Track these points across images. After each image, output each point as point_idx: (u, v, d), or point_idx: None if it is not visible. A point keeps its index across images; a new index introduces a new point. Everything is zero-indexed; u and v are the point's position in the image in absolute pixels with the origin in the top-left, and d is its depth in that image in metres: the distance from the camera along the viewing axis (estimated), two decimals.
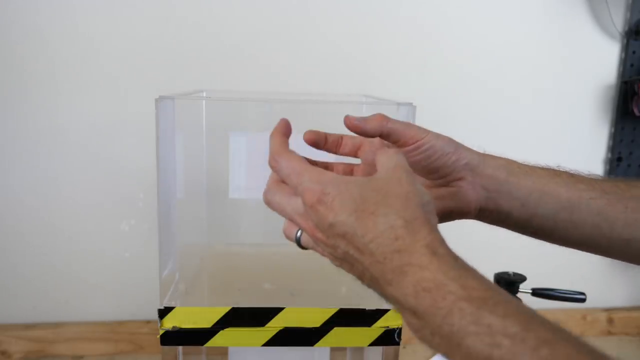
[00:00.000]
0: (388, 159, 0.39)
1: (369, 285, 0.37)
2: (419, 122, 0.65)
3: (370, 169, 0.50)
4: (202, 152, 0.86)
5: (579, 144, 1.18)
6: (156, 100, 0.61)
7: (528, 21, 1.12)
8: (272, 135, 0.43)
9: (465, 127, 1.14)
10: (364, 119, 0.45)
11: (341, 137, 0.50)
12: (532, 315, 0.30)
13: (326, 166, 0.51)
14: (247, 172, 0.77)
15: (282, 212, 0.41)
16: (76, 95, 1.02)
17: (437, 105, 1.10)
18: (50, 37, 0.99)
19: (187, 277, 0.73)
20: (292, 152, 0.41)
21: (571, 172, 0.47)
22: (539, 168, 0.47)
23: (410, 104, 0.64)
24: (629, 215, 0.43)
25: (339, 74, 1.08)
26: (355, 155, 0.52)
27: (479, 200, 0.46)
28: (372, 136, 0.46)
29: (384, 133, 0.45)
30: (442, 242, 0.34)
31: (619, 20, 1.12)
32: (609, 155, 1.19)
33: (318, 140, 0.48)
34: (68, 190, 1.05)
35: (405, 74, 1.10)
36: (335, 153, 0.51)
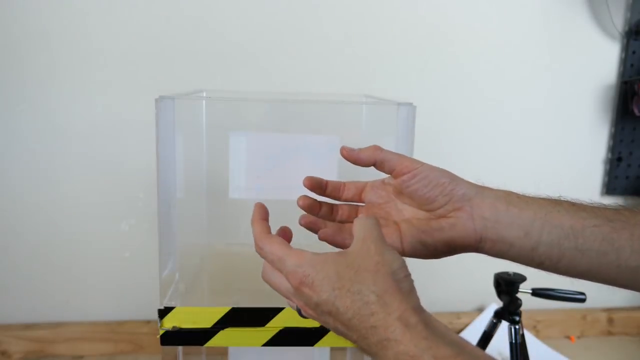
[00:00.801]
0: (359, 228, 0.41)
1: (366, 354, 0.39)
2: (418, 122, 0.65)
3: (374, 208, 0.52)
4: (202, 152, 0.86)
5: (579, 144, 1.18)
6: (156, 100, 0.61)
7: (528, 21, 1.12)
8: (252, 223, 0.46)
9: (465, 127, 1.14)
10: (359, 149, 0.48)
11: (343, 183, 0.52)
12: None
13: (332, 207, 0.52)
14: (247, 172, 0.77)
15: (279, 291, 0.44)
16: (76, 95, 1.02)
17: (437, 105, 1.10)
18: (50, 37, 0.99)
19: (187, 277, 0.73)
20: (273, 238, 0.44)
21: (572, 201, 0.46)
22: (539, 198, 0.46)
23: (410, 104, 0.64)
24: (635, 243, 0.42)
25: (339, 74, 1.08)
26: (359, 200, 0.53)
27: (479, 230, 0.46)
28: (366, 165, 0.48)
29: (378, 162, 0.47)
30: (414, 309, 0.36)
31: (619, 20, 1.12)
32: (609, 155, 1.19)
33: (318, 187, 0.51)
34: (68, 190, 1.05)
35: (405, 74, 1.10)
36: (338, 199, 0.53)
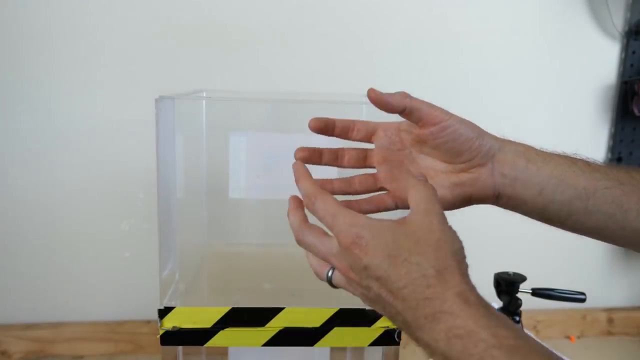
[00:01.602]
0: (419, 197, 0.39)
1: (400, 327, 0.38)
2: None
3: (386, 153, 0.49)
4: (202, 152, 0.86)
5: (579, 144, 1.17)
6: (156, 100, 0.61)
7: (528, 21, 1.12)
8: (301, 179, 0.44)
9: None
10: (388, 93, 0.44)
11: (353, 122, 0.50)
12: None
13: (336, 153, 0.50)
14: (247, 172, 0.77)
15: (315, 252, 0.42)
16: (76, 95, 1.02)
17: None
18: (51, 37, 0.99)
19: (187, 277, 0.73)
20: (326, 194, 0.42)
21: (587, 160, 0.47)
22: (556, 155, 0.47)
23: None
24: None
25: (339, 74, 1.08)
26: (369, 141, 0.51)
27: (498, 187, 0.46)
28: (395, 111, 0.45)
29: (407, 109, 0.45)
30: (472, 289, 0.36)
31: (619, 20, 1.12)
32: (609, 155, 1.19)
33: (325, 127, 0.48)
34: (68, 190, 1.05)
35: (405, 74, 1.10)
36: (347, 139, 0.50)
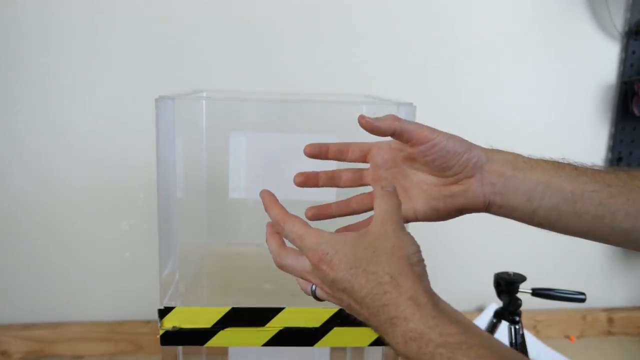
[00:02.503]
0: (380, 210, 0.42)
1: (375, 332, 0.41)
2: (418, 121, 0.65)
3: (380, 172, 0.53)
4: (202, 152, 0.86)
5: (579, 144, 1.18)
6: (156, 100, 0.61)
7: (528, 21, 1.12)
8: (270, 207, 0.48)
9: (465, 127, 1.14)
10: (377, 118, 0.47)
11: (347, 145, 0.53)
12: (503, 356, 0.34)
13: (333, 175, 0.54)
14: (247, 172, 0.77)
15: (294, 273, 0.46)
16: (76, 95, 1.02)
17: (437, 105, 1.10)
18: (50, 37, 0.99)
19: (187, 277, 0.73)
20: (293, 218, 0.45)
21: (575, 164, 0.48)
22: (543, 161, 0.48)
23: (410, 104, 0.64)
24: (630, 207, 0.45)
25: (339, 74, 1.08)
26: (364, 161, 0.54)
27: (487, 196, 0.48)
28: (385, 135, 0.48)
29: (397, 132, 0.47)
30: (424, 291, 0.38)
31: (619, 20, 1.12)
32: (609, 155, 1.19)
33: (319, 152, 0.52)
34: (68, 191, 1.05)
35: (405, 74, 1.10)
36: (343, 160, 0.53)
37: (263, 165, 0.76)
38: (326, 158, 0.53)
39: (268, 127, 0.80)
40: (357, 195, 0.54)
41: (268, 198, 0.48)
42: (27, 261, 1.07)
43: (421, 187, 0.50)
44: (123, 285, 1.11)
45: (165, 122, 0.63)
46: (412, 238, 0.41)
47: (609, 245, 1.07)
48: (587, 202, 0.45)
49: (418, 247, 0.41)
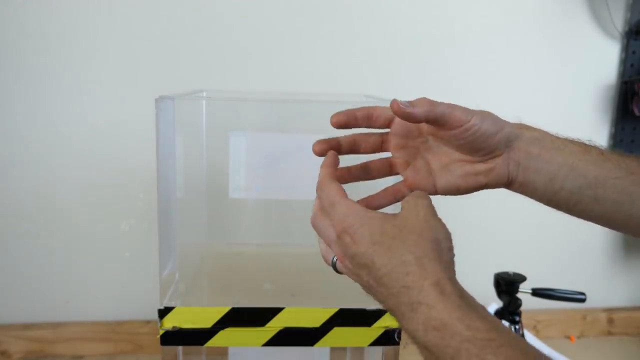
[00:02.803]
0: (410, 197, 0.42)
1: (391, 314, 0.39)
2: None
3: (403, 140, 0.50)
4: (202, 152, 0.86)
5: None
6: (156, 100, 0.61)
7: (528, 21, 1.12)
8: (321, 166, 0.45)
9: None
10: (411, 103, 0.44)
11: (372, 110, 0.49)
12: (534, 357, 0.32)
13: (354, 141, 0.50)
14: (247, 172, 0.77)
15: (322, 236, 0.44)
16: (76, 95, 1.02)
17: None
18: (50, 37, 0.99)
19: (187, 277, 0.73)
20: (333, 184, 0.43)
21: (601, 148, 0.47)
22: (570, 142, 0.47)
23: None
24: None
25: (339, 74, 1.08)
26: (388, 127, 0.50)
27: (511, 174, 0.47)
28: (419, 122, 0.45)
29: (431, 118, 0.44)
30: (450, 279, 0.36)
31: (619, 20, 1.12)
32: None
33: (347, 122, 0.48)
34: (68, 190, 1.05)
35: (405, 74, 1.10)
36: (368, 127, 0.50)
37: (263, 165, 0.76)
38: (356, 125, 0.49)
39: (268, 127, 0.80)
40: (376, 160, 0.51)
41: (328, 157, 0.46)
42: (27, 261, 1.07)
43: (444, 161, 0.48)
44: (123, 285, 1.11)
45: (165, 122, 0.63)
46: (444, 224, 0.40)
47: (609, 245, 1.07)
48: (609, 189, 0.45)
49: (449, 234, 0.39)
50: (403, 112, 0.44)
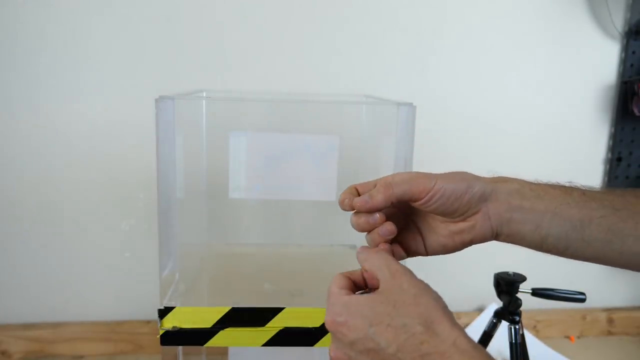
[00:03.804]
0: (379, 266, 0.42)
1: None
2: (418, 122, 0.65)
3: (390, 208, 0.49)
4: (202, 152, 0.86)
5: (579, 144, 1.18)
6: (156, 100, 0.61)
7: (528, 21, 1.12)
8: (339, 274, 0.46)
9: (465, 127, 1.14)
10: (370, 195, 0.46)
11: (356, 187, 0.49)
12: None
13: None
14: (247, 172, 0.77)
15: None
16: (76, 95, 1.02)
17: (436, 106, 1.10)
18: (50, 37, 0.99)
19: (187, 277, 0.73)
20: (343, 275, 0.44)
21: (583, 188, 0.47)
22: (550, 188, 0.47)
23: (410, 104, 0.64)
24: (639, 230, 0.44)
25: (339, 74, 1.08)
26: None
27: (495, 227, 0.47)
28: (383, 208, 0.46)
29: (393, 201, 0.46)
30: (464, 336, 0.37)
31: (619, 20, 1.12)
32: (609, 155, 1.19)
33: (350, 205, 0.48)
34: (68, 190, 1.05)
35: (405, 74, 1.10)
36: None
37: (263, 165, 0.76)
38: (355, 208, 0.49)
39: (268, 127, 0.80)
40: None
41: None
42: (27, 261, 1.07)
43: (430, 224, 0.50)
44: (123, 285, 1.11)
45: (165, 122, 0.63)
46: (429, 286, 0.41)
47: None
48: (595, 229, 0.45)
49: (437, 292, 0.40)
50: (366, 208, 0.46)
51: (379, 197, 0.45)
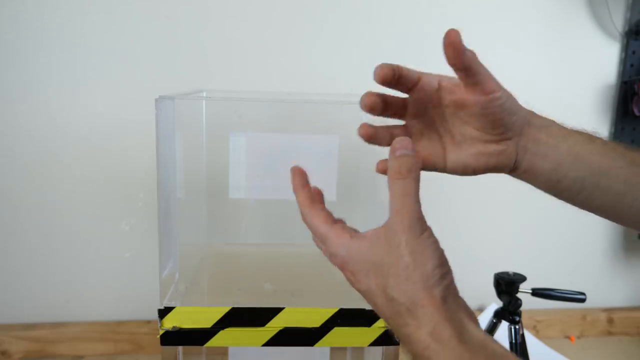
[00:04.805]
0: (393, 199, 0.38)
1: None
2: None
3: (420, 109, 0.48)
4: (202, 152, 0.86)
5: None
6: (156, 100, 0.61)
7: (528, 21, 1.12)
8: (295, 190, 0.44)
9: None
10: (464, 45, 0.43)
11: (401, 70, 0.46)
12: None
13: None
14: (247, 172, 0.77)
15: (315, 234, 0.43)
16: (76, 95, 1.02)
17: None
18: (50, 37, 0.99)
19: (187, 277, 0.73)
20: (316, 210, 0.42)
21: (605, 139, 0.47)
22: (576, 132, 0.47)
23: None
24: None
25: (339, 74, 1.08)
26: (410, 91, 0.48)
27: (518, 159, 0.47)
28: (460, 65, 0.44)
29: (473, 70, 0.44)
30: (446, 321, 0.34)
31: (619, 20, 1.12)
32: None
33: (392, 77, 0.46)
34: (68, 191, 1.05)
35: None
36: (396, 87, 0.47)
37: (263, 165, 0.76)
38: (393, 81, 0.46)
39: (268, 127, 0.80)
40: (395, 127, 0.50)
41: (297, 179, 0.45)
42: (27, 261, 1.07)
43: (457, 137, 0.47)
44: (123, 285, 1.11)
45: (165, 122, 0.63)
46: (431, 246, 0.37)
47: (609, 245, 1.07)
48: (612, 178, 0.45)
49: (439, 257, 0.36)
50: (457, 45, 0.44)
51: (468, 52, 0.42)
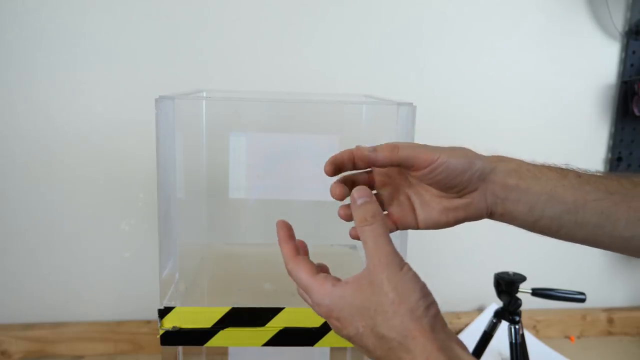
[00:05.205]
0: (367, 247, 0.40)
1: None
2: (418, 121, 0.65)
3: (385, 178, 0.50)
4: (202, 152, 0.86)
5: (579, 144, 1.18)
6: (156, 100, 0.61)
7: (528, 21, 1.12)
8: (280, 243, 0.46)
9: (465, 127, 1.14)
10: (374, 149, 0.45)
11: (352, 152, 0.48)
12: None
13: (350, 179, 0.50)
14: (247, 172, 0.77)
15: (299, 286, 0.45)
16: (76, 95, 1.02)
17: (437, 105, 1.10)
18: (50, 37, 0.99)
19: (187, 277, 0.73)
20: (301, 263, 0.44)
21: (578, 171, 0.47)
22: (547, 169, 0.47)
23: (411, 104, 0.64)
24: (632, 215, 0.44)
25: (339, 74, 1.08)
26: (369, 166, 0.49)
27: (490, 206, 0.47)
28: (383, 167, 0.46)
29: (395, 163, 0.45)
30: (439, 350, 0.35)
31: (619, 20, 1.12)
32: (609, 155, 1.19)
33: (337, 168, 0.47)
34: (67, 191, 1.05)
35: (405, 75, 1.10)
36: (355, 169, 0.49)
37: (263, 165, 0.76)
38: (346, 169, 0.48)
39: (268, 127, 0.80)
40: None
41: (282, 232, 0.46)
42: (27, 261, 1.07)
43: (424, 197, 0.49)
44: (123, 285, 1.11)
45: (165, 122, 0.63)
46: (412, 279, 0.38)
47: None
48: (589, 212, 0.45)
49: (421, 289, 0.38)
50: (366, 158, 0.45)
51: (382, 153, 0.45)
